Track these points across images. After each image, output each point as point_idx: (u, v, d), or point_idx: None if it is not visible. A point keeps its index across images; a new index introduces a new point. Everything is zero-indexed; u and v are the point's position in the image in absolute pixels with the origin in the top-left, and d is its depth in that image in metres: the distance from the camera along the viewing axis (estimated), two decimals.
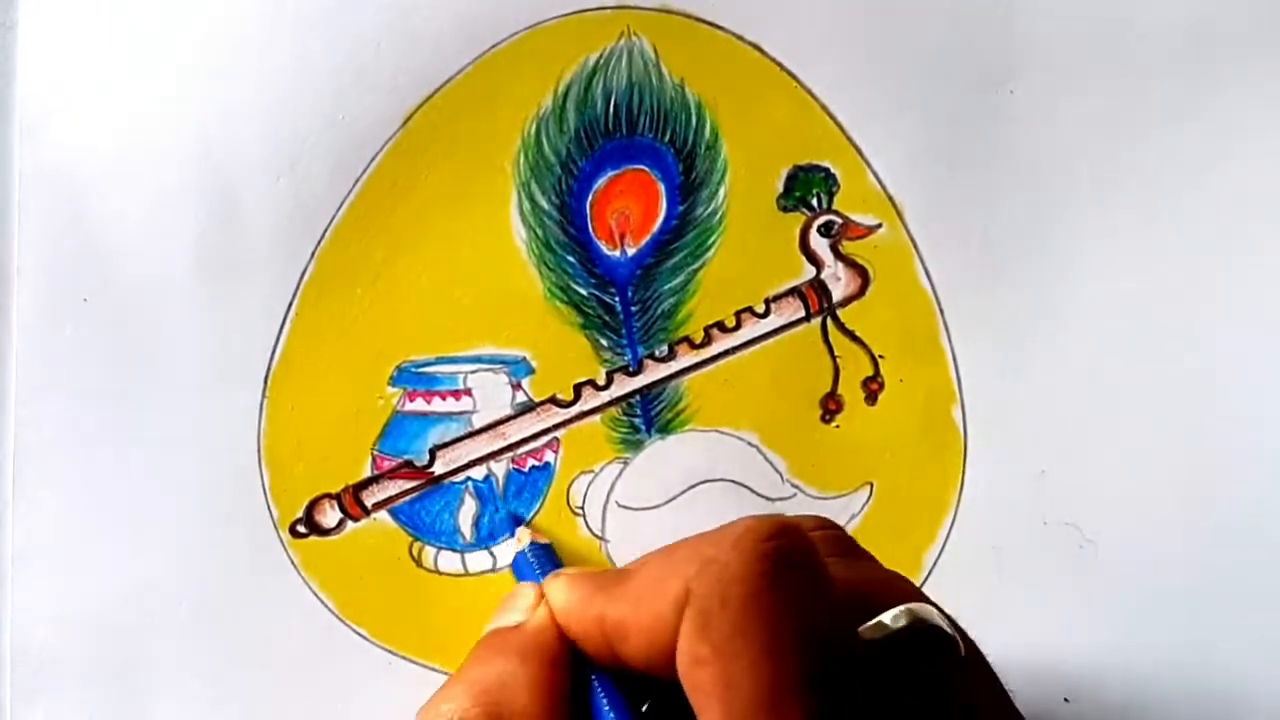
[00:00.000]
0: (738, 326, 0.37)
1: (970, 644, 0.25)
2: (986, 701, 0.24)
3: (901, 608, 0.23)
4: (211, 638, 0.35)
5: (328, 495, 0.36)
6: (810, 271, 0.37)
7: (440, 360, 0.36)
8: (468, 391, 0.36)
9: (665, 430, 0.37)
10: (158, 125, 0.35)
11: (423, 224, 0.36)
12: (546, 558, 0.34)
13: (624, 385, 0.37)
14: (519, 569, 0.35)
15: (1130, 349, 0.36)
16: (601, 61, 0.36)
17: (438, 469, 0.36)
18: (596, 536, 0.36)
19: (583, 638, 0.27)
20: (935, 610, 0.23)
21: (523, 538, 0.35)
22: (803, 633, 0.21)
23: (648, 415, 0.37)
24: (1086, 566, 0.36)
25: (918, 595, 0.25)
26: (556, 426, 0.36)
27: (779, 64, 0.36)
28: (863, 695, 0.21)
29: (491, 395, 0.36)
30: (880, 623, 0.23)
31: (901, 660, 0.23)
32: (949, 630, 0.23)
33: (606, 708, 0.26)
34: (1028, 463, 0.36)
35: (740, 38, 0.36)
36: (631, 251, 0.37)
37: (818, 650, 0.21)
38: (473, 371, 0.36)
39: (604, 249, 0.37)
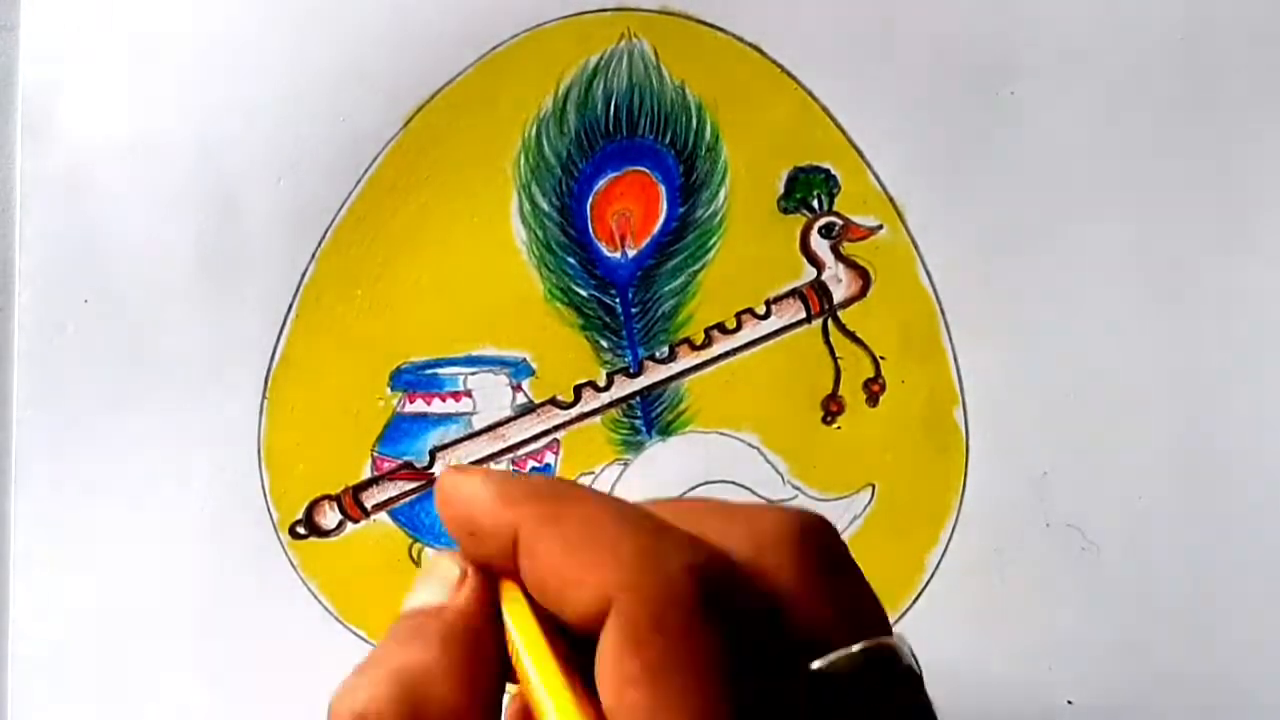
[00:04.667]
0: (738, 328, 0.36)
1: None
2: None
3: (858, 646, 0.22)
4: (211, 638, 0.35)
5: (327, 496, 0.36)
6: (811, 273, 0.37)
7: (440, 362, 0.36)
8: (468, 393, 0.36)
9: (666, 432, 0.36)
10: (158, 126, 0.36)
11: (423, 225, 0.36)
12: None
13: (624, 387, 0.36)
14: None
15: (1130, 349, 0.36)
16: (602, 63, 0.36)
17: (438, 470, 0.36)
18: None
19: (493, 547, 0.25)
20: (898, 645, 0.23)
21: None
22: (740, 666, 0.21)
23: (648, 417, 0.36)
24: (1088, 569, 0.36)
25: (881, 625, 0.24)
26: (557, 428, 0.36)
27: (779, 65, 0.36)
28: None
29: (492, 397, 0.36)
30: (832, 659, 0.23)
31: (852, 696, 0.22)
32: (915, 668, 0.23)
33: None
34: (1030, 465, 0.36)
35: (740, 39, 0.36)
36: (632, 253, 0.37)
37: (755, 686, 0.21)
38: (473, 373, 0.36)
39: (604, 250, 0.37)
